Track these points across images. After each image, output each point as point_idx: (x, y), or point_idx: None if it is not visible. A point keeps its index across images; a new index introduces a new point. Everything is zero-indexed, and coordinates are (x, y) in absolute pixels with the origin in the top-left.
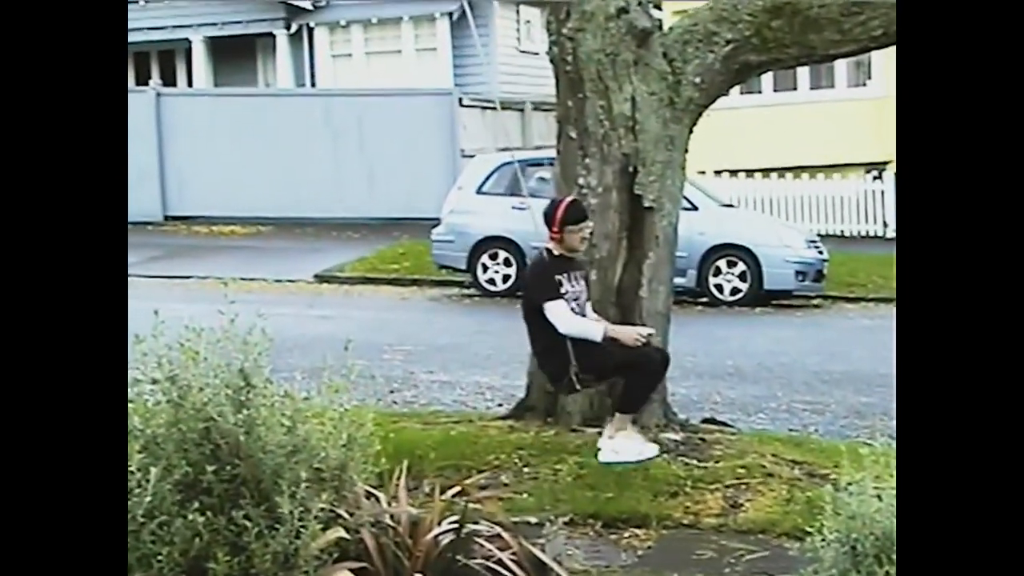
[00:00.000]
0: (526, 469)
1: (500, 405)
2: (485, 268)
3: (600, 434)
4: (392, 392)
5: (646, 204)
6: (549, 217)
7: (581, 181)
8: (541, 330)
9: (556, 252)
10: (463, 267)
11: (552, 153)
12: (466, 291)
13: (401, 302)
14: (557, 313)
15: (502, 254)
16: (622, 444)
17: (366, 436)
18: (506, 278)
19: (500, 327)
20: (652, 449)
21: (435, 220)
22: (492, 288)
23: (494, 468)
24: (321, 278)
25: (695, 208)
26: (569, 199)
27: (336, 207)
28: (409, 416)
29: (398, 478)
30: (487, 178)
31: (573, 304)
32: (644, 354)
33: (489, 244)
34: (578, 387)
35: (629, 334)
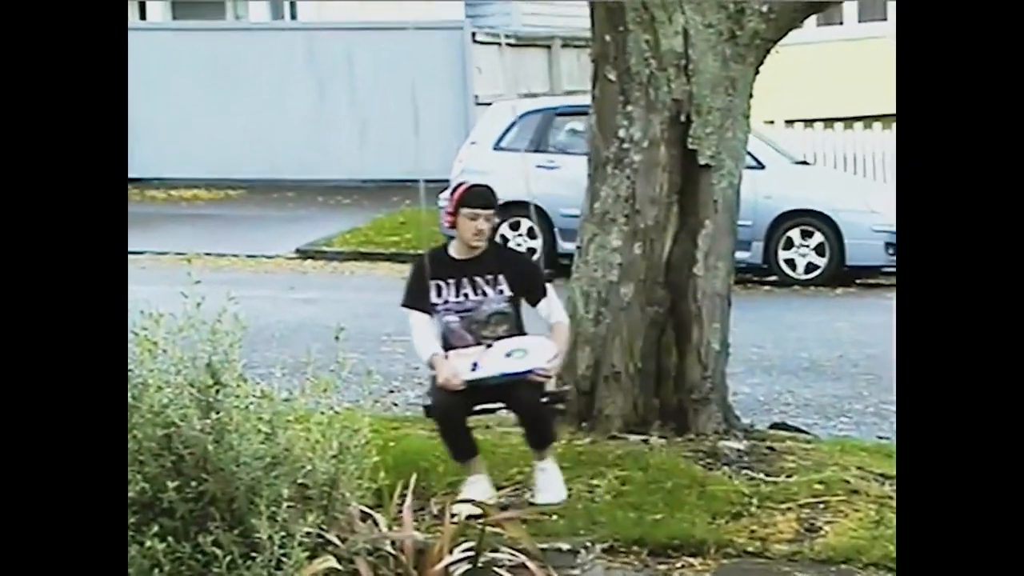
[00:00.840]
0: None
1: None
2: (504, 241)
3: (645, 440)
4: (392, 392)
5: (702, 161)
6: (450, 195)
7: (622, 133)
8: None
9: (452, 251)
10: None
11: (586, 100)
12: None
13: (402, 282)
14: (412, 327)
15: (525, 223)
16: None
17: (361, 445)
18: (530, 253)
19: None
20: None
21: (443, 182)
22: None
23: (517, 484)
24: (304, 253)
25: (761, 166)
26: (479, 182)
27: (322, 167)
28: (413, 421)
29: (400, 496)
30: (507, 131)
31: (455, 320)
32: (441, 400)
33: (509, 211)
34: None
35: (443, 371)
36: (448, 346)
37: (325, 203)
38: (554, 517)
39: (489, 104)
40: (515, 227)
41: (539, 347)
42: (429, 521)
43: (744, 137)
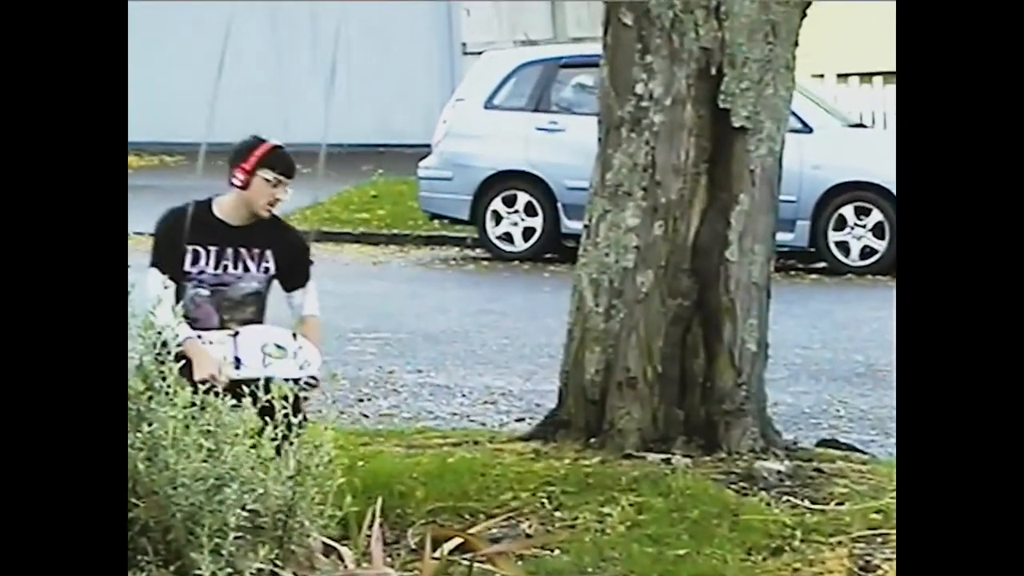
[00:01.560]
0: (559, 513)
1: (520, 420)
2: (498, 218)
3: (667, 460)
4: (362, 401)
5: (736, 123)
6: (243, 150)
7: (639, 89)
8: None
9: (220, 213)
10: (465, 217)
11: (597, 49)
12: (470, 252)
13: (374, 269)
14: (148, 292)
15: (522, 197)
16: None
17: (323, 464)
18: (528, 233)
19: (519, 305)
20: None
21: (424, 148)
22: (507, 248)
23: (512, 512)
24: None
25: (808, 129)
26: (278, 143)
27: (275, 128)
28: (387, 435)
29: (370, 525)
30: (500, 86)
31: (204, 295)
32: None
33: (503, 182)
34: None
35: (203, 364)
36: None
37: None
38: (556, 552)
39: (479, 54)
40: (510, 202)
41: (301, 350)
42: (405, 556)
43: (787, 94)
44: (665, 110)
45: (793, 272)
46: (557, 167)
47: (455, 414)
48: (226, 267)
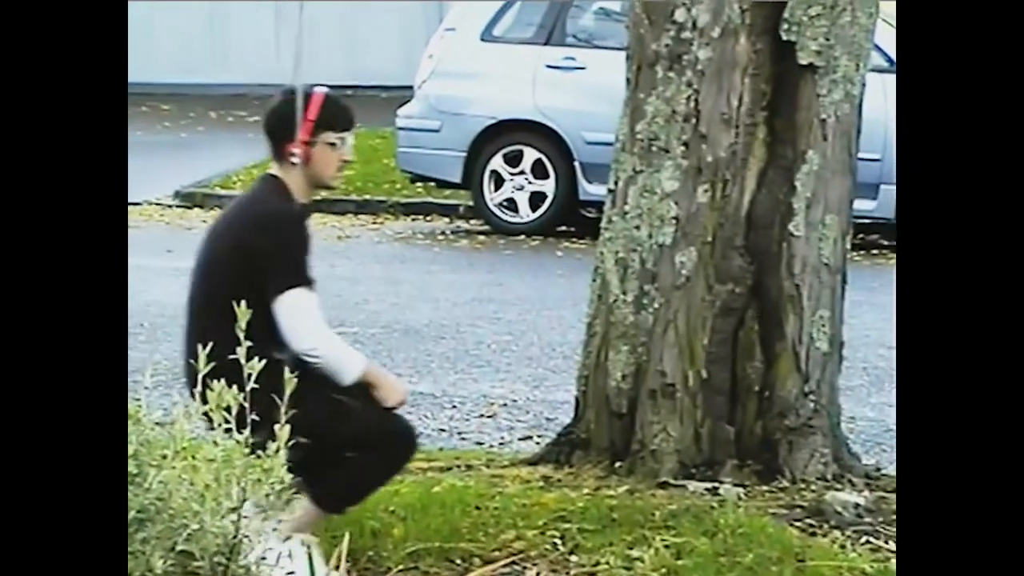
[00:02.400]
0: (575, 557)
1: (526, 438)
2: (498, 181)
3: (714, 491)
4: None
5: (803, 60)
6: (288, 116)
7: (680, 15)
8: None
9: (296, 191)
10: (456, 179)
11: None
12: (462, 224)
13: (339, 245)
14: (306, 311)
15: (530, 155)
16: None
17: (275, 493)
18: (537, 200)
19: (524, 293)
20: None
21: (403, 91)
22: (510, 219)
23: (515, 555)
24: (189, 198)
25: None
26: (326, 91)
27: (217, 66)
28: None
29: (336, 567)
30: (502, 11)
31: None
32: (391, 427)
33: (506, 135)
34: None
35: (396, 387)
36: None
37: (220, 121)
38: None
39: None
40: (513, 161)
41: None
42: None
43: (869, 22)
44: (712, 43)
45: (876, 251)
46: (573, 115)
47: (443, 430)
48: None
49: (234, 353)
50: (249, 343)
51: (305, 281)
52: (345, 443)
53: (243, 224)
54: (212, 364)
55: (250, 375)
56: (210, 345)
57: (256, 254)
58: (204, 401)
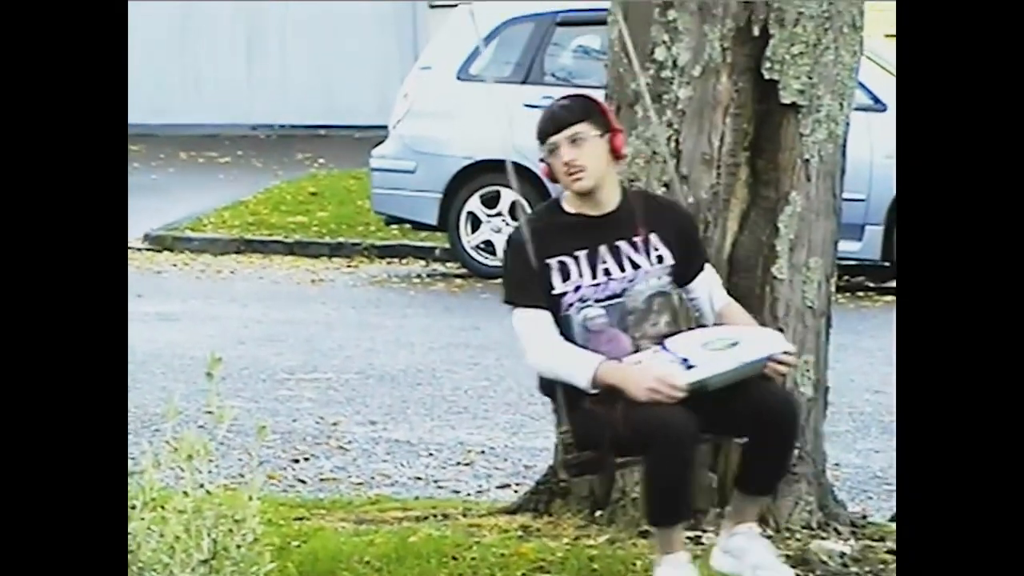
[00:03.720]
0: None
1: (504, 486)
2: (475, 222)
3: (696, 539)
4: (298, 461)
5: (786, 99)
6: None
7: (660, 54)
8: None
9: (570, 206)
10: (432, 221)
11: (606, 2)
12: (438, 267)
13: (312, 289)
14: (525, 330)
15: (507, 196)
16: (742, 545)
17: (247, 544)
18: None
19: (502, 337)
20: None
21: (378, 130)
22: (488, 262)
23: None
24: (158, 241)
25: (882, 107)
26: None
27: (186, 106)
28: (330, 507)
29: None
30: (477, 51)
31: (598, 315)
32: (664, 422)
33: (482, 176)
34: (560, 471)
35: (640, 380)
36: None
37: (191, 162)
38: None
39: (451, 6)
40: (491, 202)
41: (756, 335)
42: None
43: (853, 61)
44: (694, 82)
45: (862, 293)
46: None
47: (419, 478)
48: (608, 272)
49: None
50: None
51: (525, 300)
52: (625, 447)
53: None
54: None
55: None
56: None
57: None
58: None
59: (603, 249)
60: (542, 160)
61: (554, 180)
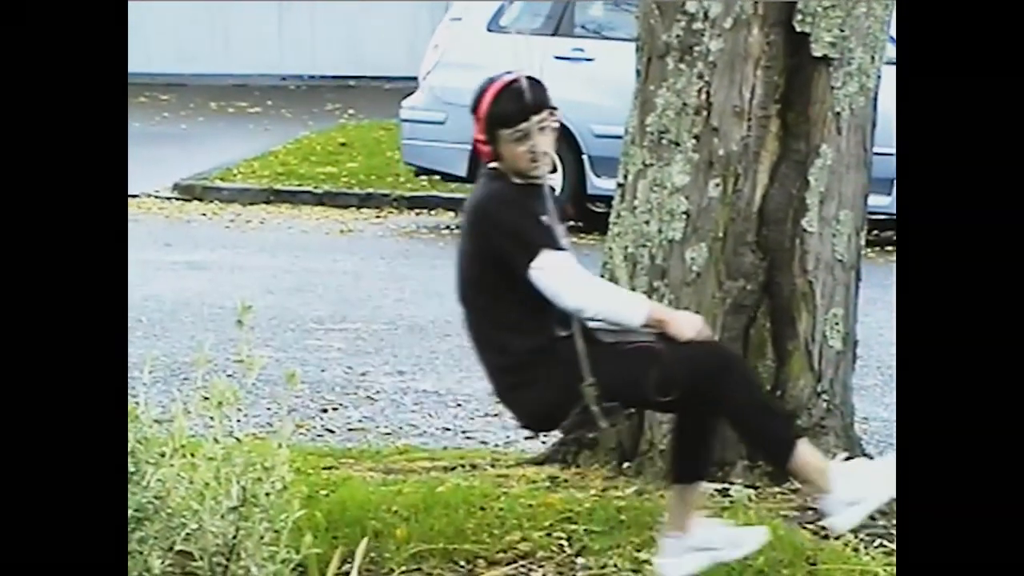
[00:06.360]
0: (581, 559)
1: (532, 437)
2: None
3: (724, 491)
4: (326, 411)
5: (817, 52)
6: (473, 113)
7: (691, 6)
8: (510, 304)
9: (513, 178)
10: (461, 172)
11: None
12: None
13: (342, 239)
14: (562, 272)
15: None
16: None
17: (276, 492)
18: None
19: None
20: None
21: (408, 82)
22: None
23: (521, 557)
24: (188, 191)
25: None
26: (510, 78)
27: (217, 55)
28: (358, 456)
29: (338, 572)
30: (508, 2)
31: None
32: (727, 349)
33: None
34: (599, 421)
35: (687, 317)
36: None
37: (220, 112)
38: None
39: None
40: None
41: None
42: None
43: (885, 14)
44: (724, 34)
45: (891, 247)
46: (582, 108)
47: (447, 429)
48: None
49: (493, 335)
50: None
51: (547, 242)
52: (665, 388)
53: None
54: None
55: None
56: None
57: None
58: None
59: (548, 216)
60: (483, 140)
61: (491, 160)
